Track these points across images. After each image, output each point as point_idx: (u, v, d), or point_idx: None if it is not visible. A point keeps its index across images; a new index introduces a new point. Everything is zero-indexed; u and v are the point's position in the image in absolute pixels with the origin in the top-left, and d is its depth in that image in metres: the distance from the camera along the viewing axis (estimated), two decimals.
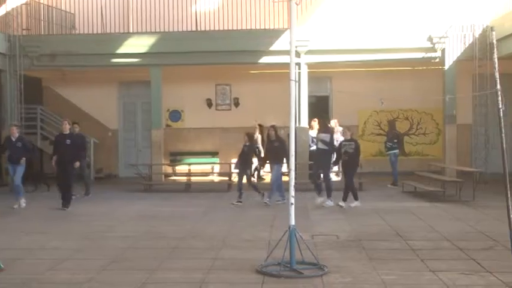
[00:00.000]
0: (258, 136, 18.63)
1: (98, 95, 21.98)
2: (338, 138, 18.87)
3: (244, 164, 14.76)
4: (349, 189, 13.87)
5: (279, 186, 14.49)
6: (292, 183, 8.09)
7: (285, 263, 7.88)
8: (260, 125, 19.55)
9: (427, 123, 21.75)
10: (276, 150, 14.35)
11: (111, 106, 22.24)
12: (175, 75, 20.50)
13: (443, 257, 8.65)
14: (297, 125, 18.53)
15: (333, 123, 19.16)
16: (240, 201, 14.35)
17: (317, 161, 14.72)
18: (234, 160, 20.21)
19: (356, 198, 13.90)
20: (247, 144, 14.83)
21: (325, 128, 14.64)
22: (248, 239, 10.20)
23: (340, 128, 18.91)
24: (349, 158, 13.69)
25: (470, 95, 18.74)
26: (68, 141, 14.06)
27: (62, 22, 20.74)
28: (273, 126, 14.74)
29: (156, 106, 19.71)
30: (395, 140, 18.35)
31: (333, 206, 13.77)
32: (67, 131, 14.28)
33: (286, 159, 13.64)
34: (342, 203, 13.77)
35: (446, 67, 18.76)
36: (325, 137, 14.17)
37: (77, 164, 14.19)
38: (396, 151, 18.23)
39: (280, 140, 14.56)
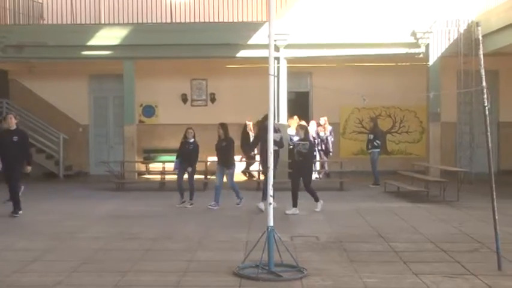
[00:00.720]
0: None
1: (68, 89, 21.81)
2: (327, 136, 19.16)
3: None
4: (308, 191, 13.21)
5: (235, 188, 14.09)
6: (271, 182, 8.11)
7: (263, 265, 7.88)
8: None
9: (411, 121, 21.88)
10: (224, 151, 13.93)
11: (81, 100, 22.08)
12: (149, 68, 20.43)
13: (426, 259, 8.71)
14: (276, 121, 18.53)
15: (323, 121, 19.33)
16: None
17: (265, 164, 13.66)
18: (211, 158, 20.26)
19: (317, 200, 13.29)
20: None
21: (274, 126, 13.86)
22: (225, 240, 10.20)
23: (330, 127, 19.16)
24: (304, 159, 12.84)
25: (454, 92, 18.92)
26: (15, 138, 12.53)
27: (30, 11, 20.56)
28: (222, 124, 14.17)
29: (128, 101, 19.63)
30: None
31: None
32: (13, 127, 12.66)
33: (228, 162, 13.92)
34: (290, 211, 12.92)
35: (430, 63, 18.91)
36: (275, 136, 13.15)
37: (29, 168, 12.88)
38: (379, 150, 18.35)
39: (229, 140, 14.02)
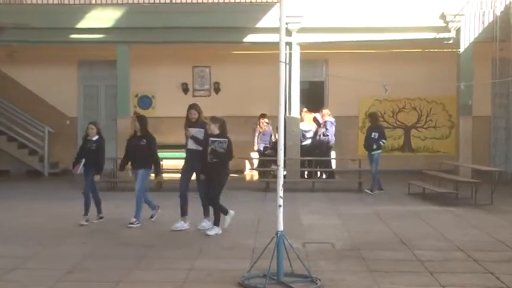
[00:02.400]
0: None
1: (54, 77, 21.82)
2: (329, 131, 19.03)
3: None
4: (213, 204, 11.45)
5: (139, 201, 12.37)
6: (281, 182, 8.09)
7: (272, 275, 7.87)
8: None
9: (438, 115, 21.82)
10: (142, 150, 12.27)
11: (69, 90, 22.09)
12: (145, 54, 20.40)
13: (455, 270, 8.68)
14: (287, 114, 18.54)
15: (326, 113, 19.22)
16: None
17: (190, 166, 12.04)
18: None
19: (217, 222, 11.36)
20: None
21: (199, 120, 11.88)
22: (229, 246, 10.19)
23: (332, 119, 18.96)
24: (219, 160, 11.18)
25: (489, 83, 18.85)
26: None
27: None
28: (139, 117, 12.81)
29: (122, 90, 19.64)
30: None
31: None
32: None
33: (154, 163, 12.56)
34: (206, 227, 11.64)
35: (461, 50, 18.83)
36: (198, 132, 11.66)
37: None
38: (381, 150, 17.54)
39: (148, 137, 12.44)
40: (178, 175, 19.42)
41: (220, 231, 11.20)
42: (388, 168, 18.78)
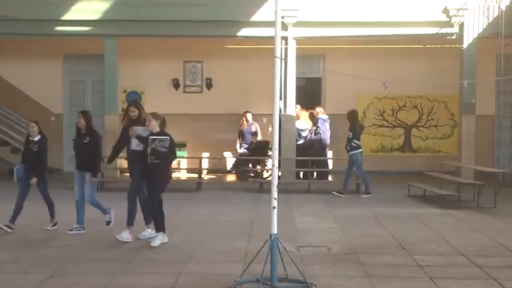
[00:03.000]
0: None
1: (39, 71, 21.77)
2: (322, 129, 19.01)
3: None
4: (152, 210, 10.75)
5: (79, 208, 11.80)
6: (275, 182, 8.09)
7: (265, 280, 7.87)
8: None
9: (440, 113, 21.84)
10: (86, 149, 11.59)
11: (54, 85, 22.03)
12: (134, 48, 20.38)
13: (457, 276, 8.68)
14: (282, 112, 18.53)
15: (319, 111, 19.16)
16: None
17: (132, 169, 11.48)
18: (206, 154, 20.27)
19: (160, 229, 10.67)
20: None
21: (141, 118, 11.26)
22: (220, 250, 10.20)
23: (325, 117, 18.92)
24: (160, 161, 10.48)
25: (493, 80, 18.85)
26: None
27: None
28: (83, 113, 11.92)
29: (110, 86, 19.59)
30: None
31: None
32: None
33: (92, 162, 11.59)
34: (149, 235, 11.03)
35: (464, 45, 18.84)
36: (144, 131, 10.85)
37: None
38: (361, 149, 17.30)
39: (92, 135, 11.76)
40: None
41: (166, 239, 10.57)
42: (388, 168, 18.81)
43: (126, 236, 10.79)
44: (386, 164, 19.18)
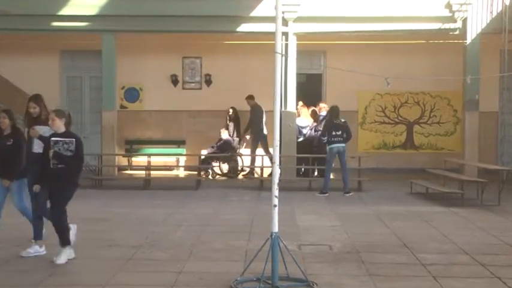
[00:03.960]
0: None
1: (35, 67, 21.71)
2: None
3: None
4: (56, 222, 9.35)
5: (28, 214, 10.07)
6: (276, 180, 8.10)
7: (266, 279, 7.89)
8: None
9: (443, 110, 21.83)
10: (9, 153, 9.73)
11: (51, 81, 21.97)
12: (132, 44, 20.38)
13: (460, 274, 8.71)
14: (283, 108, 18.54)
15: (322, 107, 19.16)
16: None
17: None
18: (204, 151, 20.29)
19: (65, 243, 9.31)
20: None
21: (42, 116, 10.03)
22: (221, 248, 10.20)
23: (325, 113, 18.87)
24: (64, 166, 9.20)
25: (497, 76, 18.86)
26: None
27: None
28: (7, 111, 10.03)
29: (108, 82, 19.60)
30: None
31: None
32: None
33: (11, 166, 9.76)
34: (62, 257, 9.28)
35: (468, 41, 18.86)
36: (48, 131, 9.59)
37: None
38: (338, 145, 16.91)
39: (17, 137, 9.90)
40: (167, 172, 19.41)
41: (73, 255, 9.32)
42: (390, 166, 18.83)
43: (36, 249, 9.70)
44: (388, 161, 19.20)
